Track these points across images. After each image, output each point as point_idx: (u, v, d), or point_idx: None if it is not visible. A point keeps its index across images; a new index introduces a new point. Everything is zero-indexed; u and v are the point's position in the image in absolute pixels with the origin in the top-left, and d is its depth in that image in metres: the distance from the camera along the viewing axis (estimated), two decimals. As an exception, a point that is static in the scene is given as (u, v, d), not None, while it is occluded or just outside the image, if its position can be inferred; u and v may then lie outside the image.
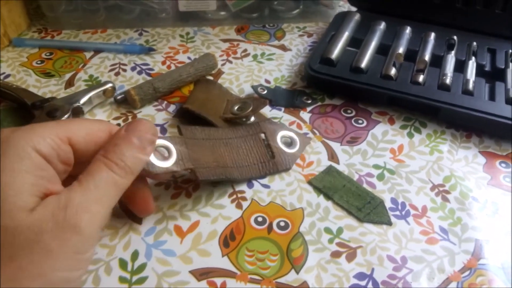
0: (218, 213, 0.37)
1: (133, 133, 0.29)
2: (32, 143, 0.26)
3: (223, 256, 0.34)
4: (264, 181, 0.39)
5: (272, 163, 0.40)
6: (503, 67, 0.49)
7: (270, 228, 0.36)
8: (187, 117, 0.45)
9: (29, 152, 0.25)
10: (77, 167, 0.29)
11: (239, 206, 0.37)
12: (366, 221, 0.36)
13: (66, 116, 0.42)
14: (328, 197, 0.38)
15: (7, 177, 0.24)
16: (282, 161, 0.40)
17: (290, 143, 0.42)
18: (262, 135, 0.41)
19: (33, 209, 0.24)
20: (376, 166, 0.41)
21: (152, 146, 0.31)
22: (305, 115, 0.47)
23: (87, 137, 0.29)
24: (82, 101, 0.44)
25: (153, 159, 0.32)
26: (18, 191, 0.24)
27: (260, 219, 0.36)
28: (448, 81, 0.47)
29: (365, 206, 0.37)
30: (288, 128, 0.44)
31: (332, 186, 0.38)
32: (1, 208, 0.24)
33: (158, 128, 0.44)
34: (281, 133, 0.42)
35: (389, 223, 0.36)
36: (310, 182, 0.39)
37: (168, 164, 0.33)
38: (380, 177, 0.40)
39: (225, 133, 0.41)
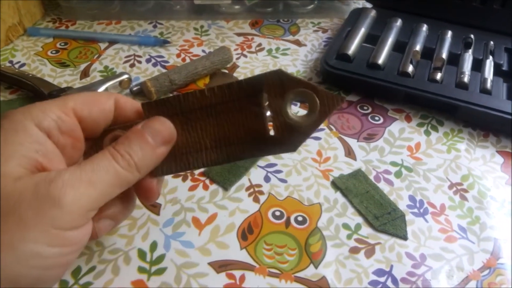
0: (236, 206, 0.37)
1: (148, 129, 0.28)
2: (30, 116, 0.26)
3: (241, 249, 0.34)
4: (281, 175, 0.39)
5: (271, 141, 0.28)
6: (520, 66, 0.49)
7: (287, 222, 0.36)
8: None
9: (26, 125, 0.25)
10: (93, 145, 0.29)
11: (256, 199, 0.37)
12: (381, 230, 0.35)
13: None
14: (347, 198, 0.38)
15: None
16: (285, 138, 0.28)
17: (305, 106, 0.29)
18: (264, 96, 0.28)
19: (19, 179, 0.24)
20: (394, 164, 0.41)
21: (166, 146, 0.28)
22: (321, 110, 0.46)
23: (90, 105, 0.28)
24: (99, 91, 0.44)
25: None
26: (5, 160, 0.24)
27: (277, 213, 0.36)
28: (466, 79, 0.46)
29: (383, 216, 0.36)
30: (305, 82, 0.27)
31: (355, 189, 0.38)
32: None
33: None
34: (292, 93, 0.27)
35: (404, 238, 0.35)
36: (333, 182, 0.39)
37: None
38: (398, 174, 0.40)
39: (208, 98, 0.29)
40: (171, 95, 0.47)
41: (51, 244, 0.24)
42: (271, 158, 0.41)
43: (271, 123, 0.28)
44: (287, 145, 0.28)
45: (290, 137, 0.28)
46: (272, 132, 0.28)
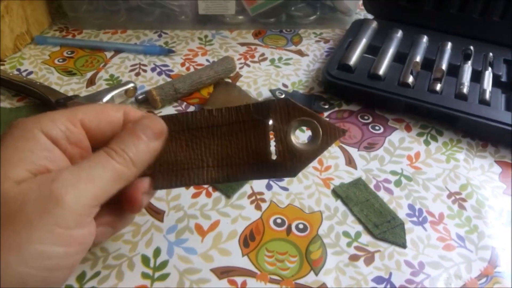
0: (238, 213, 0.37)
1: (139, 126, 0.29)
2: (40, 125, 0.26)
3: (243, 255, 0.34)
4: (283, 183, 0.40)
5: (271, 165, 0.30)
6: (519, 78, 0.50)
7: (289, 230, 0.36)
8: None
9: (35, 134, 0.26)
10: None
11: (258, 207, 0.38)
12: (380, 238, 0.36)
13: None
14: (347, 206, 0.38)
15: (7, 154, 0.25)
16: (287, 163, 0.29)
17: (308, 135, 0.31)
18: (270, 121, 0.29)
19: (22, 181, 0.24)
20: (393, 173, 0.42)
21: (158, 141, 0.29)
22: (323, 120, 0.47)
23: (99, 117, 0.29)
24: (105, 99, 0.45)
25: None
26: (13, 165, 0.25)
27: (279, 220, 0.37)
28: (465, 90, 0.47)
29: (383, 224, 0.37)
30: (310, 112, 0.29)
31: (355, 198, 0.39)
32: None
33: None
34: (297, 121, 0.29)
35: (403, 246, 0.35)
36: (333, 190, 0.40)
37: None
38: (397, 183, 0.41)
39: (218, 119, 0.30)
40: (176, 103, 0.48)
41: (57, 244, 0.24)
42: (273, 167, 0.42)
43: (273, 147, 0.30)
44: (288, 170, 0.29)
45: (291, 163, 0.29)
46: (274, 157, 0.29)
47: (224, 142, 0.30)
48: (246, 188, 0.39)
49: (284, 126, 0.29)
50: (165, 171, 0.30)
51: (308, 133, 0.31)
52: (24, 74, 0.52)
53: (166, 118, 0.30)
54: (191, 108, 0.48)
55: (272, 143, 0.29)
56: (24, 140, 0.26)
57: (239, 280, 0.33)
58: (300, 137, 0.32)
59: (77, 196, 0.25)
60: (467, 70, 0.50)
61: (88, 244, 0.26)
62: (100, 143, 0.29)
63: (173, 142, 0.30)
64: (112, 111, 0.30)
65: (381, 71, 0.49)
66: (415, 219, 0.38)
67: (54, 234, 0.24)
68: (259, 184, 0.40)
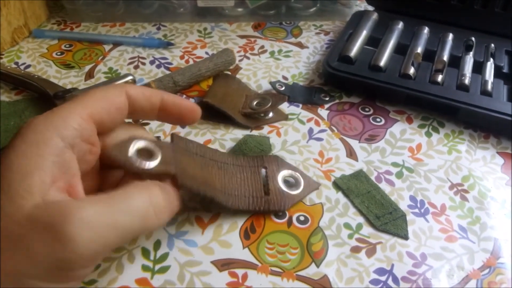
0: (238, 206, 0.37)
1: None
2: (52, 127, 0.25)
3: (244, 248, 0.34)
4: (284, 175, 0.40)
5: (265, 200, 0.36)
6: (521, 69, 0.50)
7: (290, 222, 0.36)
8: (207, 112, 0.45)
9: (47, 137, 0.25)
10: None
11: (258, 199, 0.38)
12: (382, 230, 0.36)
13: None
14: (348, 198, 0.38)
15: (18, 160, 0.24)
16: (277, 201, 0.36)
17: (293, 184, 0.38)
18: (263, 171, 0.38)
19: (37, 205, 0.23)
20: (395, 164, 0.41)
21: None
22: (323, 112, 0.47)
23: (107, 107, 0.28)
24: (108, 86, 0.44)
25: (134, 158, 0.29)
26: (24, 175, 0.23)
27: (280, 212, 0.37)
28: (466, 81, 0.47)
29: (384, 216, 0.37)
30: (295, 168, 0.39)
31: (356, 189, 0.38)
32: (4, 194, 0.23)
33: (178, 121, 0.45)
34: (285, 172, 0.38)
35: (405, 238, 0.35)
36: (334, 182, 0.39)
37: (149, 165, 0.29)
38: (399, 175, 0.40)
39: (222, 157, 0.37)
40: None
41: (56, 281, 0.23)
42: (273, 159, 0.41)
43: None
44: (278, 205, 0.36)
45: (281, 200, 0.36)
46: (265, 196, 0.36)
47: (229, 176, 0.36)
48: (247, 180, 0.39)
49: (275, 173, 0.38)
50: (186, 177, 0.31)
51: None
52: (22, 67, 0.51)
53: (186, 140, 0.34)
54: (191, 101, 0.47)
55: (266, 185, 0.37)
56: (36, 145, 0.25)
57: (240, 272, 0.32)
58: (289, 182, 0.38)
59: (92, 240, 0.23)
60: (469, 61, 0.50)
61: (86, 276, 0.26)
62: (108, 129, 0.29)
63: (191, 160, 0.33)
64: (116, 97, 0.29)
65: (382, 63, 0.49)
66: (417, 210, 0.37)
67: (56, 275, 0.23)
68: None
